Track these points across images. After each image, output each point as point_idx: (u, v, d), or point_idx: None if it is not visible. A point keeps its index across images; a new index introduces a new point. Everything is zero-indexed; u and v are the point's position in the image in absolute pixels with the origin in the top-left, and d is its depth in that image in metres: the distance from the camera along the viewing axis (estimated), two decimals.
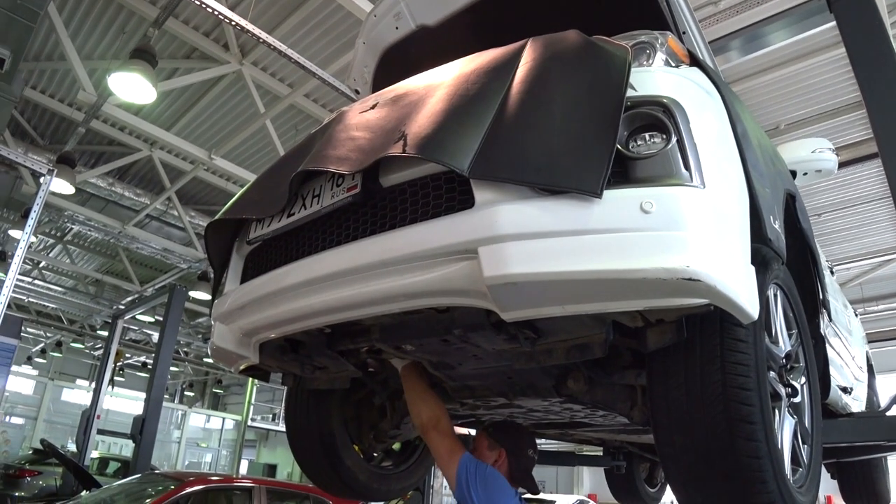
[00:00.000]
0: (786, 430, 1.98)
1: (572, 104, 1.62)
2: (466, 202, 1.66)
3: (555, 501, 18.35)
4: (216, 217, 2.53)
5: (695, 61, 1.99)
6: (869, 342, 7.34)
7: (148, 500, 6.15)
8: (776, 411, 1.94)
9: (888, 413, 3.04)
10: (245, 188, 2.62)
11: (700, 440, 1.73)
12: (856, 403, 4.18)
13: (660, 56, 1.85)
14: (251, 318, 2.34)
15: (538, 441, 2.89)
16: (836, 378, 3.10)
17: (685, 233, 1.43)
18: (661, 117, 1.59)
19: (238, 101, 9.13)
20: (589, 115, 1.58)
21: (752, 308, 1.57)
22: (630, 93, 1.62)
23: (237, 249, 2.59)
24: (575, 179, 1.48)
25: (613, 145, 1.50)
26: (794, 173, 3.17)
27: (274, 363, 2.72)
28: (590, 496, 21.56)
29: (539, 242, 1.48)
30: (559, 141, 1.57)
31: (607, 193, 1.47)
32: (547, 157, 1.55)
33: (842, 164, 7.71)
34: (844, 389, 3.33)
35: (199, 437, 24.54)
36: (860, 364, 4.64)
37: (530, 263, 1.47)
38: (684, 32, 2.73)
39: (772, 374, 1.99)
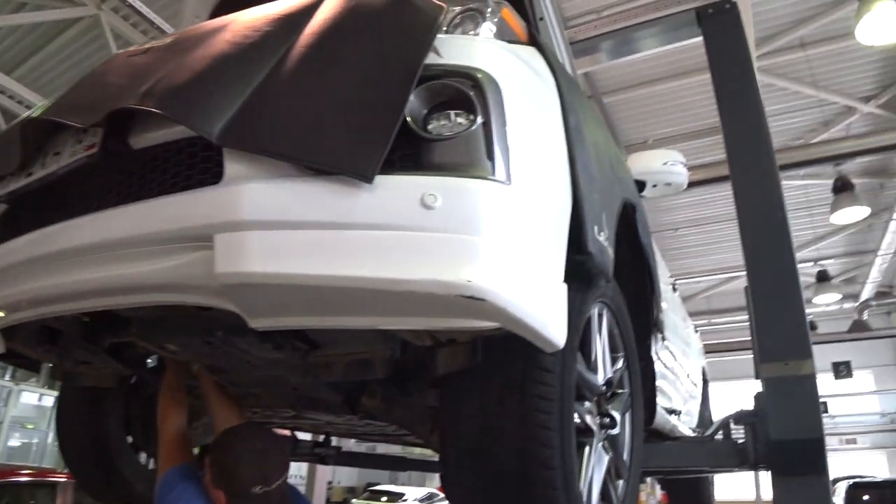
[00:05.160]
0: (597, 469, 1.76)
1: (359, 67, 1.30)
2: (218, 176, 1.29)
3: (404, 494, 18.33)
4: None
5: (534, 42, 1.72)
6: (712, 352, 7.59)
7: None
8: (587, 449, 1.72)
9: (714, 438, 2.95)
10: None
11: (491, 484, 1.47)
12: (687, 420, 4.18)
13: (487, 26, 1.55)
14: None
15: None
16: (665, 401, 2.98)
17: (474, 238, 1.12)
18: (467, 92, 1.28)
19: (93, 49, 8.17)
20: (376, 81, 1.27)
21: (558, 334, 1.30)
22: (435, 59, 1.31)
23: None
24: (342, 158, 1.15)
25: (397, 120, 1.18)
26: (644, 184, 3.02)
27: (29, 352, 2.25)
28: (439, 489, 21.71)
29: (288, 234, 1.14)
30: (336, 110, 1.24)
31: (382, 179, 1.15)
32: (317, 127, 1.22)
33: (700, 183, 7.97)
34: (673, 411, 3.24)
35: (31, 417, 22.38)
36: (695, 380, 4.67)
37: (273, 260, 1.13)
38: (541, 19, 2.48)
39: (587, 404, 1.77)
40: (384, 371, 1.53)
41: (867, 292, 14.37)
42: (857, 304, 14.23)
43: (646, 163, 3.03)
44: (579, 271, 1.65)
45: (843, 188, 9.46)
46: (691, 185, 3.75)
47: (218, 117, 1.25)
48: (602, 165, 1.82)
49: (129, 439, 2.85)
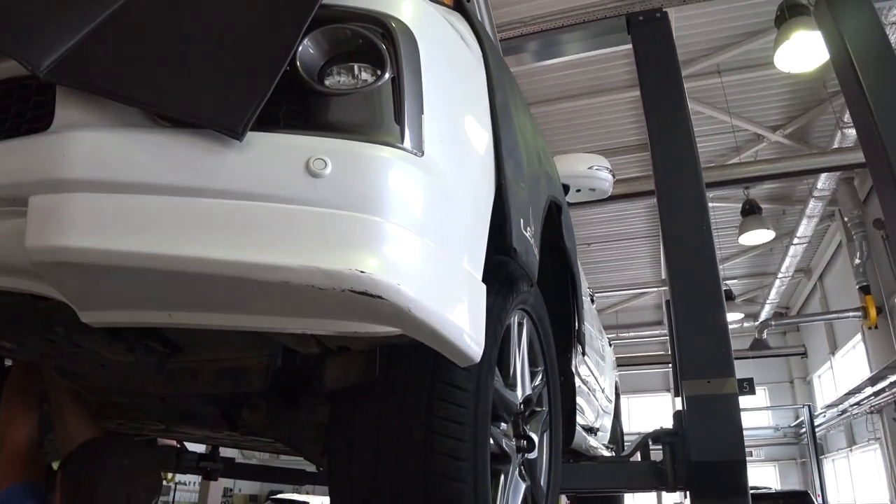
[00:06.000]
0: (512, 500, 1.54)
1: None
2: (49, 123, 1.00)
3: (307, 503, 17.63)
4: None
5: (460, 7, 1.50)
6: (622, 366, 7.63)
7: None
8: (502, 478, 1.49)
9: (632, 459, 2.81)
10: None
11: None
12: (601, 436, 4.06)
13: None
14: None
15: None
16: (583, 419, 2.82)
17: (371, 217, 0.88)
18: (376, 42, 1.04)
19: None
20: (259, 17, 1.01)
21: (474, 345, 1.07)
22: (337, 0, 1.06)
23: None
24: (206, 106, 0.89)
25: (281, 65, 0.93)
26: (567, 189, 2.86)
27: None
28: None
29: (126, 200, 0.85)
30: (204, 49, 0.98)
31: (257, 137, 0.89)
32: (177, 68, 0.94)
33: (616, 198, 8.01)
34: (590, 430, 3.08)
35: None
36: (609, 395, 4.58)
37: (101, 233, 0.84)
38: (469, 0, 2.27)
39: (503, 426, 1.55)
40: (262, 383, 1.26)
41: (765, 313, 14.98)
42: (756, 323, 14.81)
43: (571, 165, 2.87)
44: (499, 272, 1.44)
45: (751, 211, 9.76)
46: (607, 199, 3.66)
47: (50, 47, 0.96)
48: (530, 155, 1.62)
49: None
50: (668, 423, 2.99)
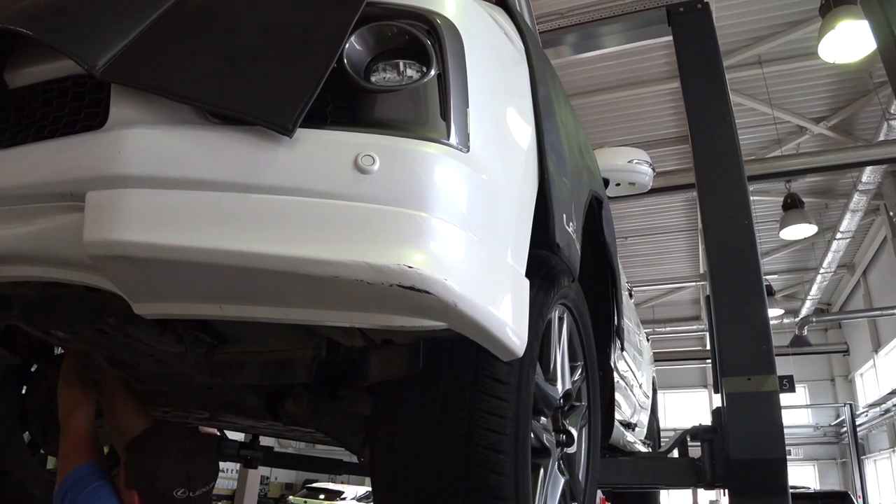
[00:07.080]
0: (551, 495, 1.54)
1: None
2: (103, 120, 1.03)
3: (342, 492, 17.88)
4: None
5: (502, 2, 1.51)
6: (655, 361, 7.58)
7: None
8: (541, 472, 1.49)
9: (669, 455, 2.78)
10: None
11: None
12: (639, 431, 4.03)
13: None
14: None
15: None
16: (621, 414, 2.80)
17: (418, 213, 0.89)
18: (422, 39, 1.05)
19: None
20: (307, 15, 1.03)
21: (517, 340, 1.07)
22: None
23: None
24: (256, 103, 0.90)
25: (329, 62, 0.94)
26: (606, 183, 2.83)
27: None
28: None
29: (180, 196, 0.88)
30: (254, 47, 0.99)
31: (306, 133, 0.91)
32: (227, 66, 0.97)
33: (653, 191, 7.91)
34: (628, 425, 3.06)
35: None
36: (646, 390, 4.54)
37: (156, 228, 0.87)
38: None
39: (543, 420, 1.55)
40: (306, 375, 1.28)
41: (806, 309, 14.68)
42: (796, 319, 14.53)
43: (610, 159, 2.84)
44: (541, 267, 1.44)
45: (792, 205, 9.56)
46: (645, 192, 3.63)
47: (105, 46, 0.99)
48: (572, 149, 1.61)
49: (27, 436, 2.53)
50: (704, 420, 2.95)
